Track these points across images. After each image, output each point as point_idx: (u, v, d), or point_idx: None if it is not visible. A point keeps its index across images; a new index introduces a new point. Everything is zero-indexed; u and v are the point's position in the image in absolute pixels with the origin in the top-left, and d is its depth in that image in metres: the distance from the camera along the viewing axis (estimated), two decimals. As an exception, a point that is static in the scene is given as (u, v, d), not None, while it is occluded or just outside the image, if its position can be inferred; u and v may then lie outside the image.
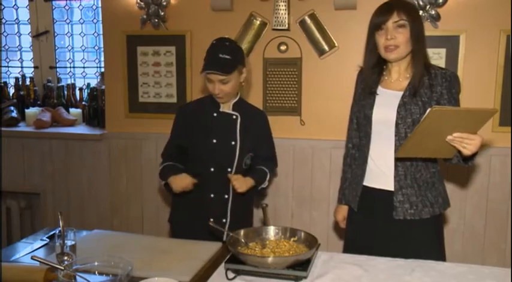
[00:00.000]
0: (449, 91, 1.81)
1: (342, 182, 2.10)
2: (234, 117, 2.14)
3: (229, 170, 2.12)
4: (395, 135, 1.82)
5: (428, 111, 1.49)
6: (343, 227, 2.11)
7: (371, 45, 1.86)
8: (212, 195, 2.13)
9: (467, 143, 1.60)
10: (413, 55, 1.83)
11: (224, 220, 2.15)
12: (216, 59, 2.03)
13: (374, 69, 1.89)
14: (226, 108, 2.15)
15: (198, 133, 2.14)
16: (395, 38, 1.78)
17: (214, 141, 2.12)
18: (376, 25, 1.81)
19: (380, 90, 1.89)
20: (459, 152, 1.65)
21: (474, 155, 1.68)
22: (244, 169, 2.16)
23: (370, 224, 1.92)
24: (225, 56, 2.03)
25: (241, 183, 2.05)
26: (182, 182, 2.06)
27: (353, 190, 1.98)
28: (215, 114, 2.14)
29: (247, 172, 2.15)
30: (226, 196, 2.14)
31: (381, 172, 1.88)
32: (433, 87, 1.81)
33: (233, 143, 2.12)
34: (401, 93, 1.84)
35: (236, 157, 2.13)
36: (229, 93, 2.09)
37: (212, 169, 2.11)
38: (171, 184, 2.08)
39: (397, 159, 1.83)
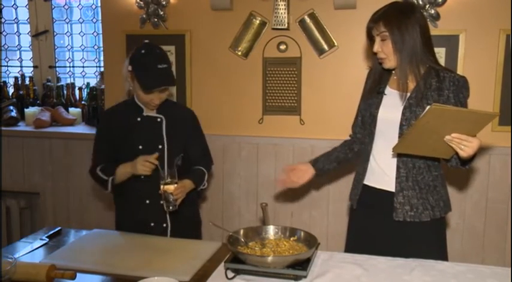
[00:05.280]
0: (456, 95, 1.79)
1: (327, 152, 2.09)
2: (159, 119, 2.07)
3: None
4: (399, 136, 1.82)
5: (427, 108, 1.49)
6: (285, 170, 2.06)
7: (371, 49, 1.87)
8: (148, 201, 2.06)
9: (465, 145, 1.59)
10: (400, 60, 1.78)
11: (165, 225, 2.09)
12: (157, 71, 1.93)
13: (383, 69, 1.89)
14: (150, 111, 2.08)
15: (122, 140, 2.06)
16: (381, 50, 1.78)
17: (140, 147, 2.03)
18: (367, 34, 1.83)
19: (388, 90, 1.89)
20: (457, 153, 1.65)
21: (473, 158, 1.68)
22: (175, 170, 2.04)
23: (371, 224, 1.92)
24: (164, 66, 1.94)
25: (181, 192, 1.94)
26: (142, 163, 1.92)
27: (354, 188, 1.99)
28: (139, 119, 2.07)
29: (184, 173, 2.06)
30: (162, 201, 2.01)
31: (382, 172, 1.88)
32: (440, 90, 1.79)
33: (160, 146, 2.05)
34: (408, 94, 1.83)
35: (165, 161, 2.04)
36: (164, 99, 2.04)
37: (142, 176, 1.98)
38: (135, 169, 1.94)
39: (399, 160, 1.83)
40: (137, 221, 2.06)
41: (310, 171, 2.04)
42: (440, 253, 1.87)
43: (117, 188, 2.07)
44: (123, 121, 2.08)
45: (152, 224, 2.07)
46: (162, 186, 1.91)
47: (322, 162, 2.05)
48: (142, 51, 1.97)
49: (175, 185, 1.92)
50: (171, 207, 1.93)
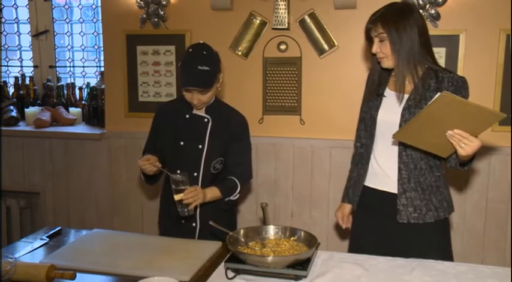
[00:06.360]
0: None
1: (347, 180, 2.10)
2: (206, 120, 2.08)
3: (195, 174, 2.05)
4: None
5: (437, 95, 1.47)
6: (341, 224, 2.10)
7: (370, 50, 1.87)
8: None
9: (465, 143, 1.57)
10: (397, 60, 1.78)
11: (194, 224, 2.10)
12: (195, 72, 1.93)
13: (382, 71, 1.89)
14: (199, 110, 2.10)
15: (168, 134, 2.10)
16: (380, 51, 1.79)
17: (182, 143, 2.07)
18: (365, 35, 1.83)
19: (387, 92, 1.89)
20: (456, 153, 1.64)
21: (472, 159, 1.68)
22: (213, 174, 2.09)
23: (374, 226, 1.92)
24: (204, 68, 1.93)
25: (194, 197, 1.87)
26: (143, 160, 1.97)
27: (355, 189, 1.99)
28: (187, 116, 2.09)
29: (216, 179, 2.07)
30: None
31: (384, 174, 1.88)
32: (439, 90, 1.77)
33: (200, 146, 2.06)
34: (407, 96, 1.82)
35: (202, 161, 2.06)
36: (207, 102, 2.04)
37: (178, 171, 1.99)
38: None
39: (400, 162, 1.83)
40: (172, 217, 2.09)
41: (349, 208, 2.07)
42: (444, 254, 1.86)
43: (150, 179, 2.11)
44: (174, 115, 2.12)
45: (183, 221, 2.09)
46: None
47: (353, 194, 2.02)
48: (190, 49, 2.00)
49: (182, 194, 1.88)
50: (186, 213, 1.90)
